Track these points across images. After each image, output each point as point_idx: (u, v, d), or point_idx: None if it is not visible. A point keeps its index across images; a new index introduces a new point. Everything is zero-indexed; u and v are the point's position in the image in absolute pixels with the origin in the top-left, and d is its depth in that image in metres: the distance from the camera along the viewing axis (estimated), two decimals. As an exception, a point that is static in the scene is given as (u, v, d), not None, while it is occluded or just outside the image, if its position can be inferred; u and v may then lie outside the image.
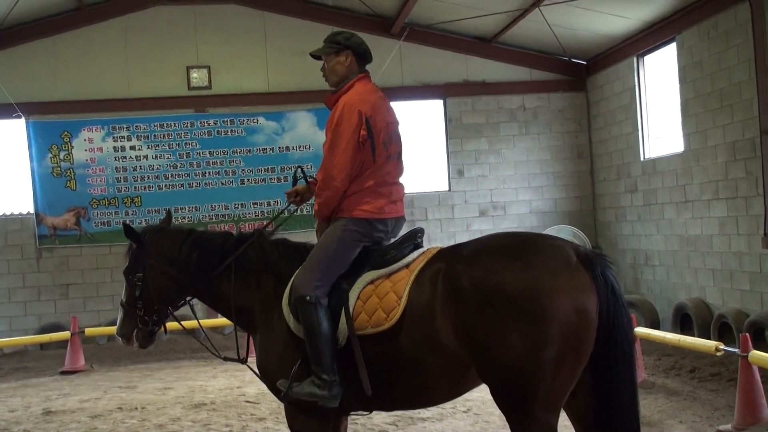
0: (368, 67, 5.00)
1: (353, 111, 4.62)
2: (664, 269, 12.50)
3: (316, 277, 4.46)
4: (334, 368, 4.35)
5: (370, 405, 4.61)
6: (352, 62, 4.87)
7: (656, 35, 12.32)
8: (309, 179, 5.12)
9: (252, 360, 4.90)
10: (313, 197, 4.94)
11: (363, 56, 4.92)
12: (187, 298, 5.09)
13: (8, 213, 14.06)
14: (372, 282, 4.48)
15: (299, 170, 5.10)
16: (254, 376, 4.93)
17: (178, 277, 4.93)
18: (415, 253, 4.56)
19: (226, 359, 5.15)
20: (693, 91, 11.30)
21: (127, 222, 5.04)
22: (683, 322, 11.46)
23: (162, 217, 5.38)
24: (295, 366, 4.47)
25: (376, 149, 4.65)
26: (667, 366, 9.57)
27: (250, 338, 4.98)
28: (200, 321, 5.44)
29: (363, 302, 4.41)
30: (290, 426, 4.69)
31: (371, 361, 4.35)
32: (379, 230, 4.69)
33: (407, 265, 4.47)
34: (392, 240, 4.79)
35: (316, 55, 4.97)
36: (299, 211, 11.47)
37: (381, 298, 4.36)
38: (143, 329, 4.98)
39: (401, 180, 4.92)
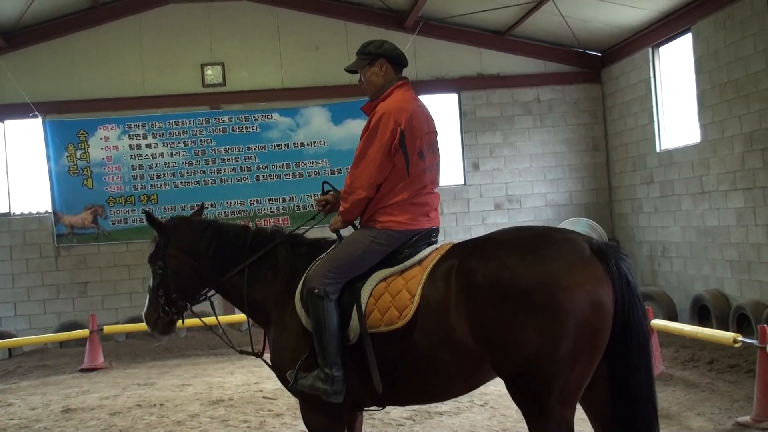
0: None
1: (389, 120, 4.53)
2: (682, 261, 12.43)
3: (330, 276, 4.45)
4: (338, 363, 4.35)
5: (383, 401, 4.61)
6: (388, 70, 4.81)
7: (671, 26, 12.23)
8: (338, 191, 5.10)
9: (267, 354, 4.93)
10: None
11: (398, 62, 4.84)
12: (206, 293, 5.17)
13: (26, 212, 14.19)
14: (384, 280, 4.45)
15: (326, 184, 5.09)
16: (271, 372, 4.95)
17: (194, 267, 5.01)
18: (428, 250, 4.53)
19: (241, 352, 5.18)
20: (709, 82, 11.21)
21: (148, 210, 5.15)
22: (701, 314, 11.38)
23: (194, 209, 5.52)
24: (302, 357, 4.48)
25: (410, 161, 4.54)
26: (685, 358, 9.53)
27: (265, 333, 5.00)
28: (218, 317, 5.47)
29: (375, 300, 4.39)
30: (305, 421, 4.72)
31: (384, 358, 4.34)
32: (409, 240, 4.59)
33: (420, 262, 4.45)
34: None
35: (351, 70, 4.91)
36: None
37: (394, 296, 4.34)
38: (164, 318, 5.09)
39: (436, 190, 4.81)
